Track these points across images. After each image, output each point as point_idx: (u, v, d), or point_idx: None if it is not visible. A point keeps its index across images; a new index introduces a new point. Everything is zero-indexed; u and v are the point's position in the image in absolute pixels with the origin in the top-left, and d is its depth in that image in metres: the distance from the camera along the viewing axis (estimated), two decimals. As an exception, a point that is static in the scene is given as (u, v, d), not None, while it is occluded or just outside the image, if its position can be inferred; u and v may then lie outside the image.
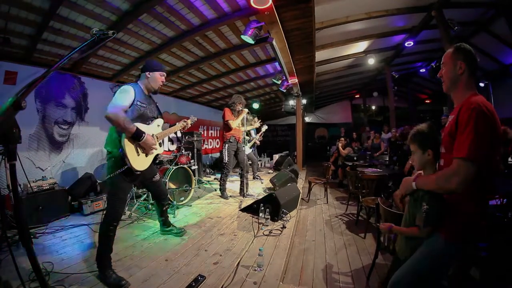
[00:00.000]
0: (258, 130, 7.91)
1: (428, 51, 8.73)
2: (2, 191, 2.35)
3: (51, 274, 2.32)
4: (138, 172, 2.50)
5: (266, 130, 7.76)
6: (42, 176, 4.10)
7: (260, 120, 5.58)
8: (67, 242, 3.12)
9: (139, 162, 2.49)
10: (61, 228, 3.54)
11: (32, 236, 3.20)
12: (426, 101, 14.87)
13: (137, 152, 2.46)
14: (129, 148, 2.37)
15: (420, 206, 1.55)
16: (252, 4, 3.30)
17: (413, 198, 1.67)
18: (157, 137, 2.67)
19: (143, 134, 2.38)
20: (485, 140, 1.26)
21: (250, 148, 7.43)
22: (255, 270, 2.50)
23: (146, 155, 2.58)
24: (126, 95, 2.38)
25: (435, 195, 1.51)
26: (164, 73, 2.74)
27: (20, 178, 3.30)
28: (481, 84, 8.13)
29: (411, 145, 1.74)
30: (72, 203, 4.23)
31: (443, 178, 1.34)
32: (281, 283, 2.44)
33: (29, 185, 3.61)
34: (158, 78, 2.67)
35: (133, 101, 2.42)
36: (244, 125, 5.13)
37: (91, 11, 3.51)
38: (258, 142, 7.80)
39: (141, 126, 2.43)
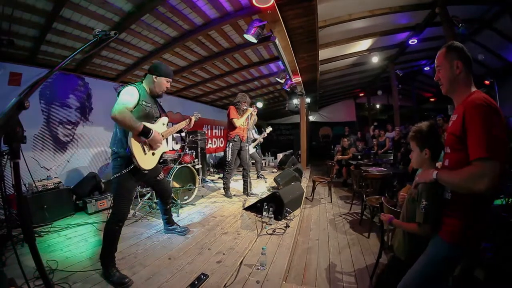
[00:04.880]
0: (260, 131, 7.92)
1: (433, 49, 8.60)
2: (8, 191, 2.38)
3: (56, 272, 2.35)
4: (145, 171, 2.51)
5: (270, 130, 7.79)
6: (47, 176, 4.14)
7: (255, 107, 5.42)
8: (72, 241, 3.16)
9: (146, 161, 2.50)
10: (66, 227, 3.58)
11: (37, 235, 3.24)
12: (431, 100, 14.73)
13: (144, 151, 2.47)
14: (136, 148, 2.38)
15: (419, 203, 1.55)
16: (254, 3, 3.29)
17: (410, 195, 1.68)
18: (162, 135, 2.67)
19: (151, 131, 2.38)
20: (499, 134, 1.22)
21: (254, 148, 7.44)
22: (258, 269, 2.50)
23: (153, 154, 2.60)
24: (130, 96, 2.39)
25: (433, 191, 1.51)
26: (171, 80, 2.74)
27: (25, 177, 3.37)
28: (486, 82, 8.02)
29: (411, 143, 1.75)
30: (77, 202, 4.30)
31: (471, 178, 1.24)
32: (284, 282, 2.43)
33: (34, 185, 3.65)
34: (163, 84, 2.67)
35: (138, 101, 2.43)
36: (249, 124, 5.13)
37: (94, 12, 3.52)
38: (261, 140, 7.82)
39: (147, 124, 2.43)
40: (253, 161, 7.32)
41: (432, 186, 1.51)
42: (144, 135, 2.35)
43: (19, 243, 2.83)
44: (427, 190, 1.53)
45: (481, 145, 1.21)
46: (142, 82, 2.64)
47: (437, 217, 1.49)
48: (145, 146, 2.47)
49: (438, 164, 1.70)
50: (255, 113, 5.36)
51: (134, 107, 2.40)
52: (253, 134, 7.53)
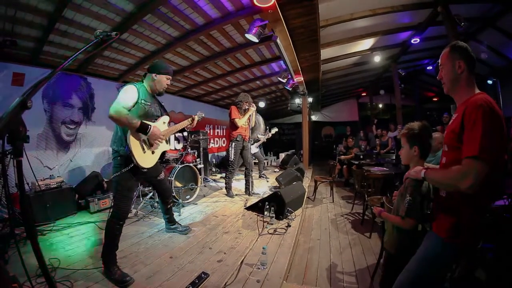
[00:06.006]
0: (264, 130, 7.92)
1: (435, 48, 8.57)
2: (11, 190, 2.41)
3: (58, 269, 2.38)
4: (144, 170, 2.52)
5: (275, 131, 7.80)
6: (50, 175, 4.17)
7: (253, 105, 5.25)
8: (74, 239, 3.18)
9: (145, 159, 2.51)
10: (68, 226, 3.61)
11: (39, 233, 3.27)
12: (434, 99, 14.66)
13: (143, 149, 2.48)
14: (135, 146, 2.40)
15: (404, 198, 1.65)
16: (255, 3, 3.29)
17: (400, 191, 1.76)
18: (163, 134, 2.68)
19: (149, 126, 2.39)
20: (495, 137, 1.23)
21: (257, 147, 7.44)
22: (259, 268, 2.50)
23: (153, 153, 2.61)
24: (129, 95, 2.41)
25: (417, 188, 1.61)
26: (170, 77, 2.76)
27: (28, 176, 3.39)
28: (489, 82, 7.96)
29: (402, 139, 1.83)
30: (79, 201, 4.32)
31: (456, 176, 1.27)
32: (284, 281, 2.43)
33: (37, 184, 3.67)
34: (164, 81, 2.69)
35: (137, 100, 2.45)
36: (250, 124, 5.14)
37: (96, 12, 3.54)
38: (265, 140, 7.82)
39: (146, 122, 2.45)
40: (256, 161, 7.33)
41: (417, 183, 1.62)
42: (142, 131, 2.36)
43: (22, 241, 2.86)
44: (412, 186, 1.63)
45: (475, 143, 1.23)
46: (142, 81, 2.66)
47: (421, 213, 1.60)
48: (144, 145, 2.48)
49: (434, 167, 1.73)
50: (254, 109, 5.30)
51: (133, 106, 2.42)
52: (257, 134, 7.54)
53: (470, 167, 1.22)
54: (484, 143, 1.20)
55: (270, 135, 7.76)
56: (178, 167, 4.64)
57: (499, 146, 1.25)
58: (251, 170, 5.29)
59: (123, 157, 2.42)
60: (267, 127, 8.04)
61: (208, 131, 9.87)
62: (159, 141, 2.56)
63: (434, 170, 1.51)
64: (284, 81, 6.89)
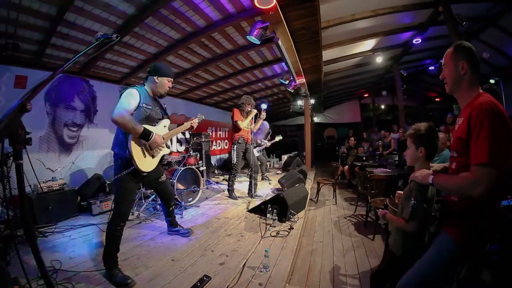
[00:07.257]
0: (270, 137, 7.93)
1: (437, 48, 8.55)
2: (13, 192, 2.41)
3: (59, 272, 2.37)
4: (144, 173, 2.52)
5: (272, 130, 7.80)
6: (52, 177, 4.17)
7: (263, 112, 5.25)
8: (76, 241, 3.18)
9: (146, 163, 2.51)
10: (70, 228, 3.61)
11: (41, 235, 3.28)
12: (436, 100, 14.59)
13: (144, 153, 2.48)
14: (136, 150, 2.40)
15: (409, 200, 1.61)
16: (256, 5, 3.29)
17: (405, 193, 1.73)
18: (163, 137, 2.68)
19: (151, 134, 2.41)
20: (503, 141, 1.21)
21: (258, 152, 7.42)
22: (261, 271, 2.48)
23: (153, 157, 2.61)
24: (131, 98, 2.41)
25: (422, 192, 1.57)
26: (172, 79, 2.76)
27: (31, 178, 3.39)
28: (492, 81, 7.90)
29: (408, 140, 1.80)
30: (81, 203, 4.34)
31: (467, 185, 1.25)
32: (287, 284, 2.42)
33: (39, 186, 3.69)
34: (165, 84, 2.68)
35: (139, 103, 2.45)
36: (253, 126, 5.13)
37: (97, 15, 3.56)
38: (268, 144, 7.81)
39: (147, 127, 2.45)
40: (258, 163, 7.31)
41: (423, 187, 1.58)
42: (144, 137, 2.37)
43: (24, 243, 2.85)
44: (417, 190, 1.59)
45: (483, 150, 1.21)
46: (144, 85, 2.66)
47: (426, 216, 1.56)
48: (145, 150, 2.49)
49: (438, 166, 1.71)
50: (264, 116, 5.31)
51: (135, 110, 2.42)
52: (261, 139, 7.53)
53: (481, 175, 1.20)
54: (493, 149, 1.18)
55: (269, 144, 7.74)
56: (180, 169, 4.63)
57: (507, 148, 1.23)
58: (256, 172, 5.26)
59: (124, 160, 2.42)
60: (270, 132, 8.01)
61: (210, 133, 9.84)
62: (159, 148, 2.58)
63: (443, 177, 1.46)
64: (286, 83, 6.89)
